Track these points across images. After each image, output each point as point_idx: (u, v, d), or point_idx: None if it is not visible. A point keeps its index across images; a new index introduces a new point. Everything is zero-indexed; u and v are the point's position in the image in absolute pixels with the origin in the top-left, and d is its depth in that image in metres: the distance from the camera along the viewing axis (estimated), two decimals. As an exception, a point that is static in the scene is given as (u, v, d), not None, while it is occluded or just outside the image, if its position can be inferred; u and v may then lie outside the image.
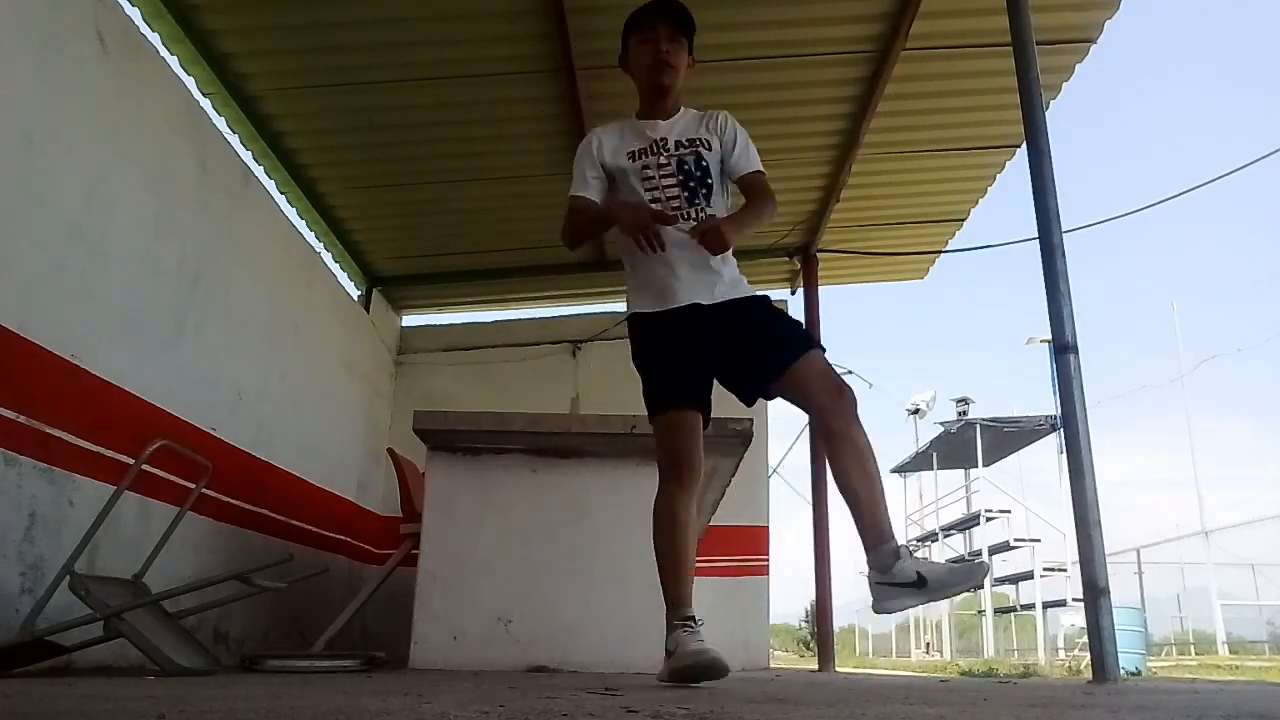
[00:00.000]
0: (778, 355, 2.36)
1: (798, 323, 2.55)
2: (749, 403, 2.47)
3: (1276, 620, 17.93)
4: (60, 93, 2.94)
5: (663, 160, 2.45)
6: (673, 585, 2.28)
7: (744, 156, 2.52)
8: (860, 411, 2.32)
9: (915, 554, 2.30)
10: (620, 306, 6.70)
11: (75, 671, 2.75)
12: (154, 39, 3.71)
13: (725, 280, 2.43)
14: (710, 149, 2.47)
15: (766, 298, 2.49)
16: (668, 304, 2.39)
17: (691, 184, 2.43)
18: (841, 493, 2.33)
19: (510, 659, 3.36)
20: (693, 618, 2.23)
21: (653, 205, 2.40)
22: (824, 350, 2.39)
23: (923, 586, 2.18)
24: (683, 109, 2.57)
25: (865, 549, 2.30)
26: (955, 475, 23.32)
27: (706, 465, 3.80)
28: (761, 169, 2.52)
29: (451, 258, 6.27)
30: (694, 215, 2.40)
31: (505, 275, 6.48)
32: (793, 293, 6.91)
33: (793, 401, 2.40)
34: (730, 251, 2.42)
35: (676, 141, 2.47)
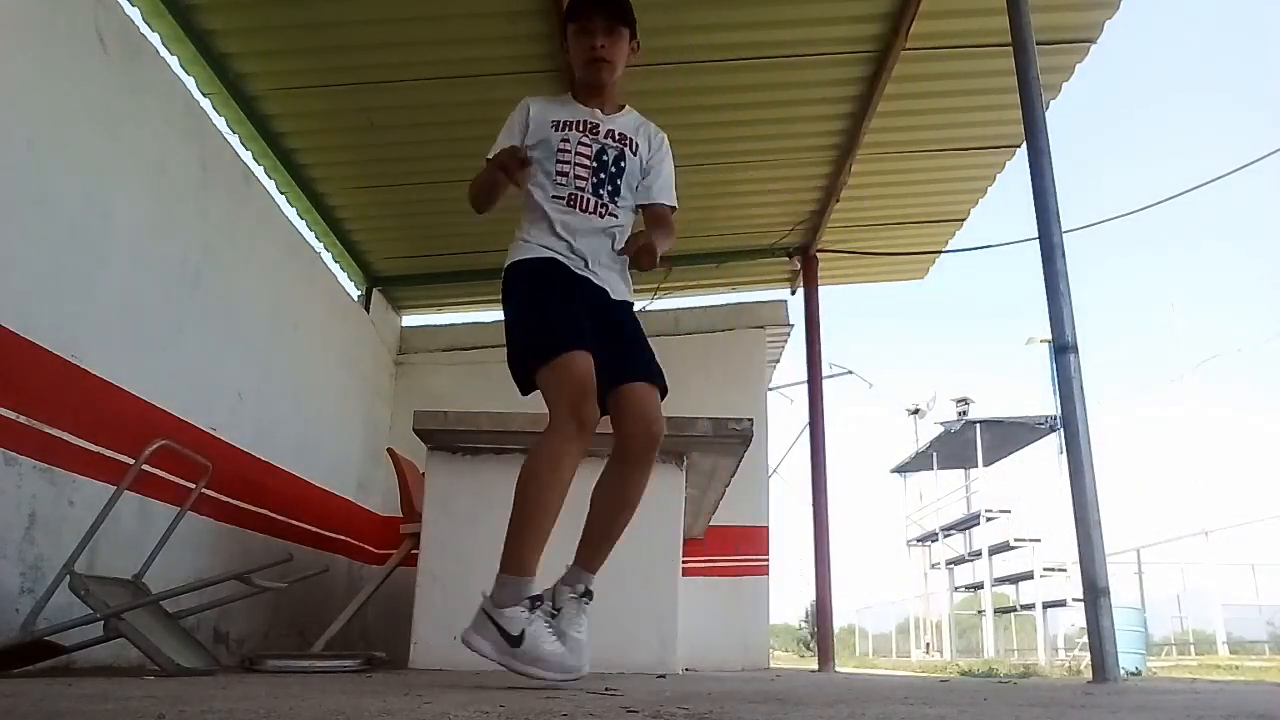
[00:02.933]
0: (627, 367, 2.29)
1: (651, 350, 2.42)
2: None
3: (1276, 620, 17.94)
4: (60, 93, 2.94)
5: (585, 140, 2.37)
6: (532, 547, 2.14)
7: (667, 187, 2.47)
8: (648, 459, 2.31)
9: (566, 616, 2.17)
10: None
11: (75, 671, 2.75)
12: (154, 39, 3.71)
13: (626, 284, 2.42)
14: (636, 153, 2.42)
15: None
16: (578, 268, 2.31)
17: (602, 175, 2.35)
18: (591, 504, 2.30)
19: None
20: (540, 598, 2.12)
21: (557, 179, 2.33)
22: (663, 394, 2.33)
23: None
24: (627, 108, 2.50)
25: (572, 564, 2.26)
26: (955, 475, 23.33)
27: (706, 464, 3.83)
28: (675, 205, 2.47)
29: (451, 258, 6.27)
30: (592, 206, 2.33)
31: (505, 275, 6.47)
32: (793, 293, 6.91)
33: (612, 418, 2.31)
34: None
35: (609, 130, 2.40)
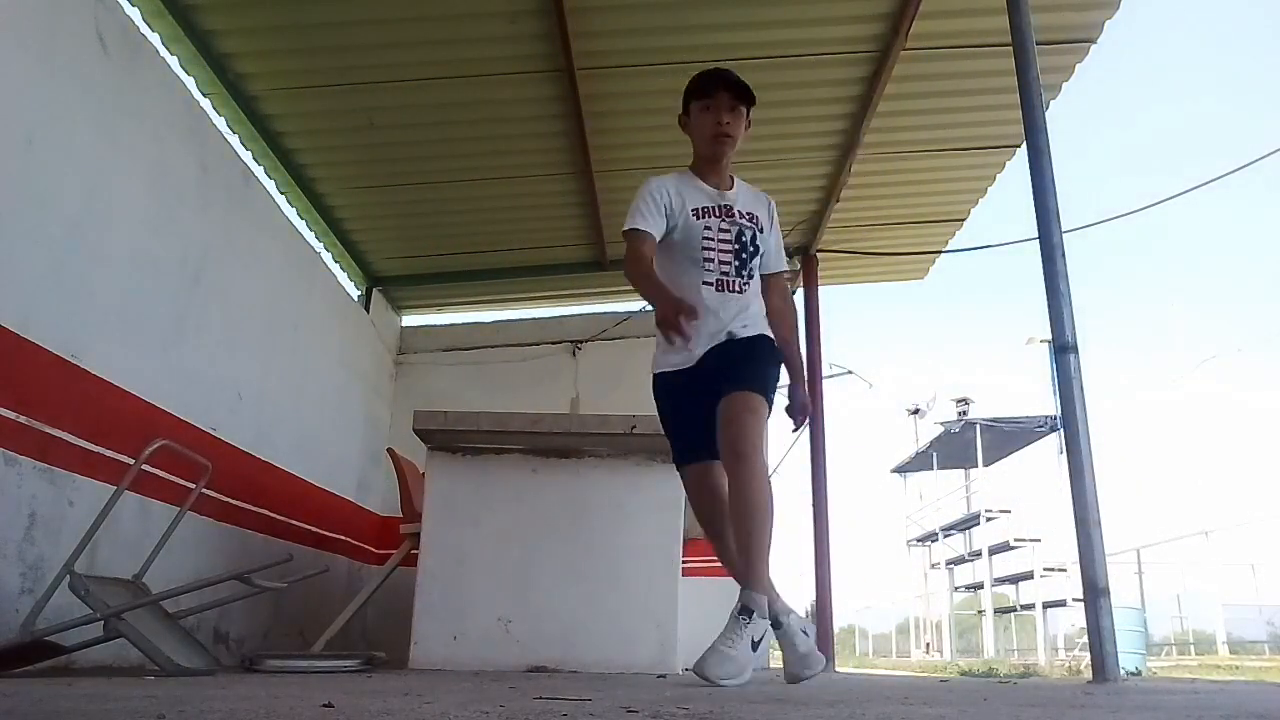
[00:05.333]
0: (722, 386, 2.51)
1: (758, 362, 2.60)
2: None
3: (1276, 620, 17.94)
4: (60, 93, 2.94)
5: (724, 225, 2.58)
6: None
7: (780, 252, 2.78)
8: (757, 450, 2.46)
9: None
10: (620, 306, 6.71)
11: (75, 671, 2.75)
12: (154, 39, 3.71)
13: (750, 324, 2.62)
14: (761, 230, 2.65)
15: (762, 339, 2.64)
16: (685, 363, 2.56)
17: (744, 255, 2.58)
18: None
19: (510, 659, 3.36)
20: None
21: (704, 264, 2.55)
22: (761, 391, 2.50)
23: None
24: (736, 180, 2.70)
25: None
26: (955, 475, 23.33)
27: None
28: (787, 267, 2.80)
29: (451, 258, 6.27)
30: (736, 286, 2.57)
31: (505, 275, 6.47)
32: (793, 293, 6.90)
33: None
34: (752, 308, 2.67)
35: (739, 211, 2.61)
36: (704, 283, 2.54)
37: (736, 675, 2.17)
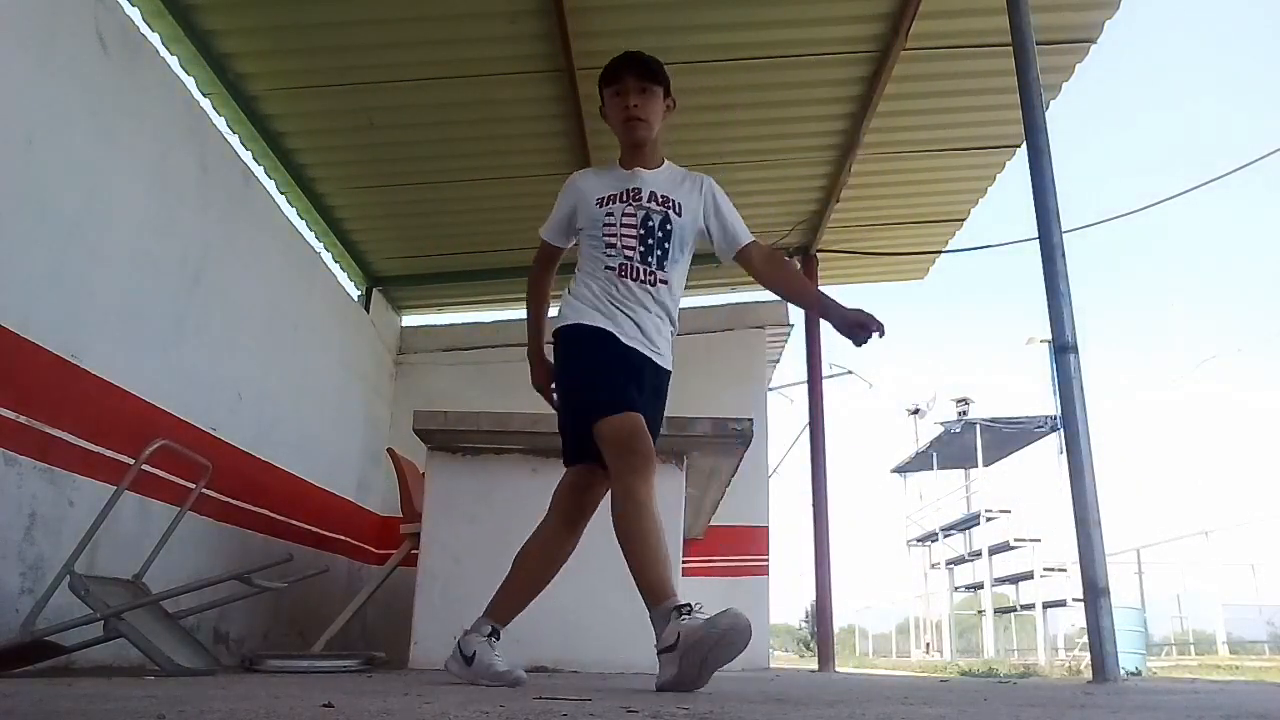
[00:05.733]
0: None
1: (662, 412, 2.53)
2: None
3: (1276, 620, 17.94)
4: (60, 93, 2.94)
5: (628, 210, 2.45)
6: (511, 601, 2.42)
7: (736, 227, 2.56)
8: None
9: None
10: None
11: (75, 671, 2.75)
12: (154, 39, 3.71)
13: (669, 350, 2.50)
14: (682, 214, 2.48)
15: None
16: (630, 341, 2.39)
17: (650, 241, 2.44)
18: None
19: (510, 659, 3.35)
20: (498, 633, 2.35)
21: (607, 251, 2.43)
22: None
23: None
24: (666, 163, 2.58)
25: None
26: (955, 475, 23.33)
27: (706, 464, 3.83)
28: (753, 236, 2.57)
29: (451, 258, 6.27)
30: (642, 275, 2.41)
31: (505, 275, 6.47)
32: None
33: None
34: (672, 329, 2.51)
35: (651, 193, 2.47)
36: (606, 268, 2.42)
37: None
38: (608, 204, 2.47)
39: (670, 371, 2.51)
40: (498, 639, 2.34)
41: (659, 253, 2.43)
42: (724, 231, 2.55)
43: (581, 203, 2.52)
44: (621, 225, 2.43)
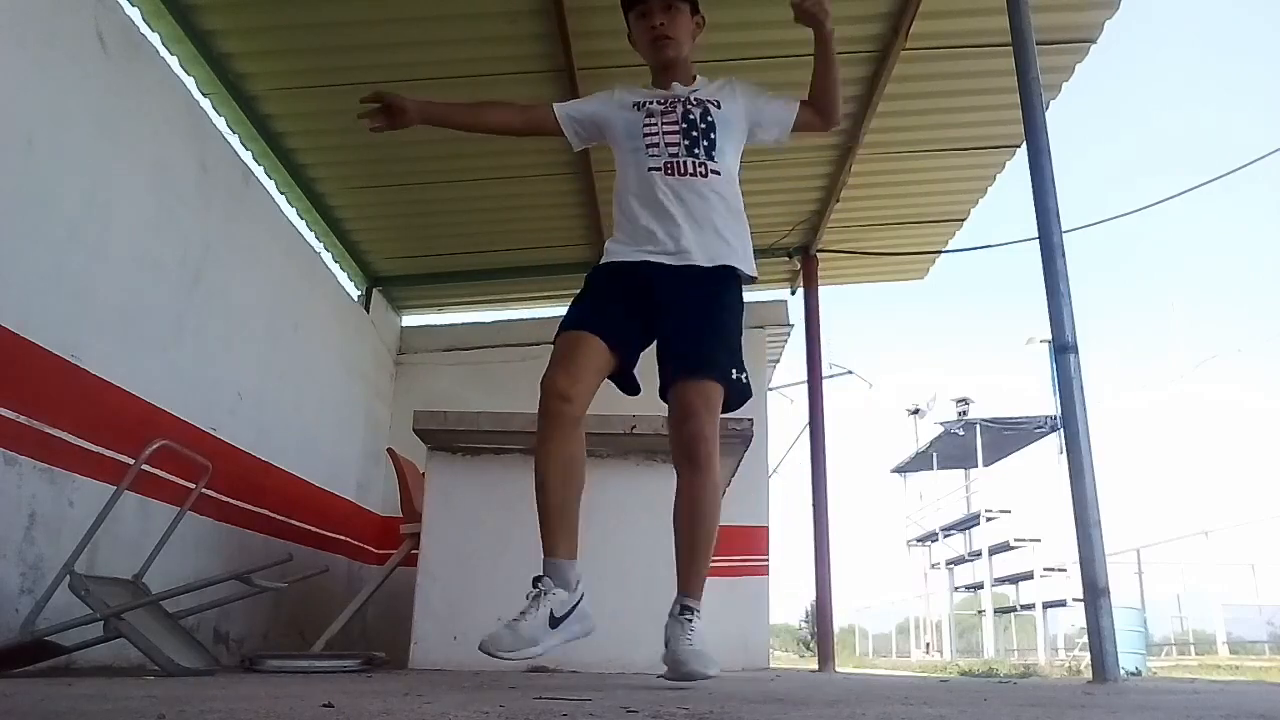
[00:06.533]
0: (674, 362, 2.27)
1: (720, 335, 2.30)
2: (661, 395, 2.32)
3: (1276, 620, 17.94)
4: (60, 93, 2.94)
5: (667, 109, 2.39)
6: (542, 529, 2.17)
7: (777, 100, 2.54)
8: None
9: (670, 631, 2.19)
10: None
11: (75, 671, 2.75)
12: (154, 39, 3.71)
13: (729, 245, 2.34)
14: (722, 107, 2.42)
15: (731, 283, 2.35)
16: (649, 254, 2.29)
17: (694, 133, 2.35)
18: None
19: (510, 659, 3.35)
20: (546, 579, 2.12)
21: (649, 151, 2.35)
22: (722, 378, 2.23)
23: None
24: (699, 77, 2.51)
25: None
26: (955, 475, 23.33)
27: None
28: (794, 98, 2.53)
29: (451, 258, 6.27)
30: (690, 168, 2.32)
31: (505, 275, 6.48)
32: (793, 293, 6.91)
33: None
34: (738, 226, 2.37)
35: (689, 97, 2.42)
36: (650, 169, 2.32)
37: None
38: (644, 107, 2.40)
39: (731, 270, 2.33)
40: (541, 584, 2.12)
41: (705, 143, 2.36)
42: (770, 108, 2.52)
43: (615, 111, 2.44)
44: (663, 123, 2.37)
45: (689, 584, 2.25)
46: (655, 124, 2.37)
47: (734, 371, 2.26)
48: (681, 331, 2.28)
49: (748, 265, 2.38)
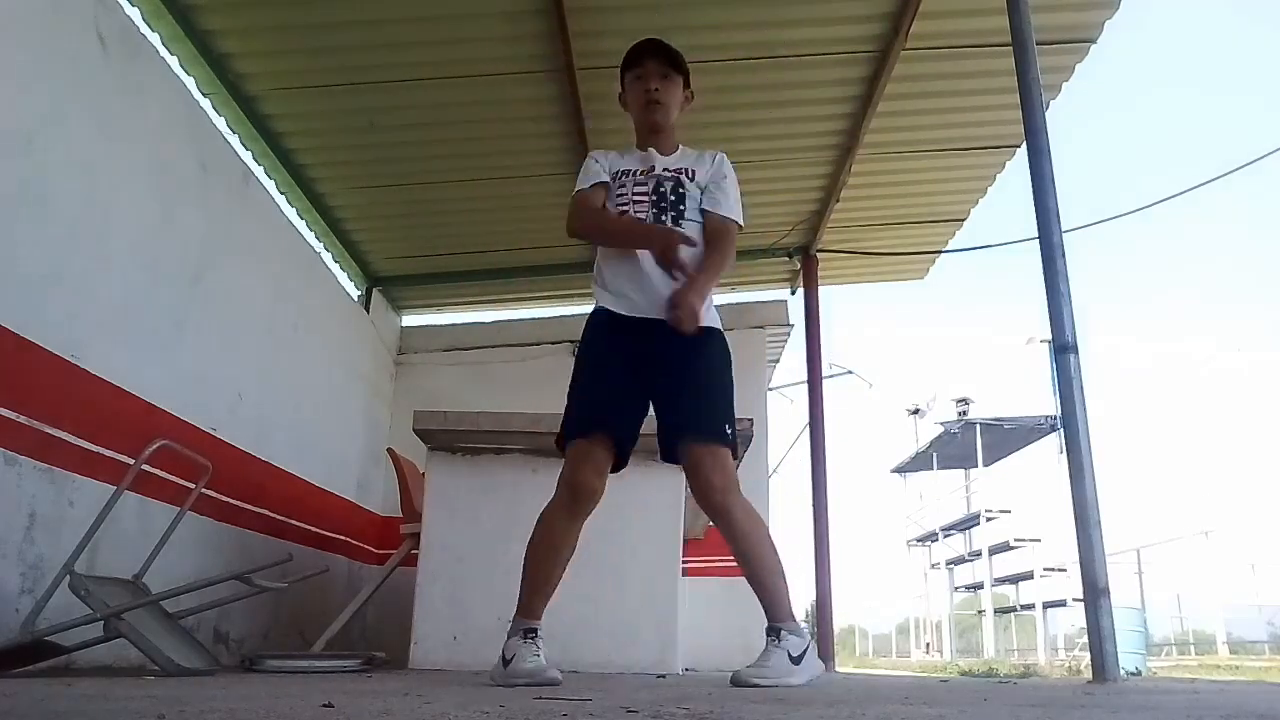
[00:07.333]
0: (681, 422, 2.42)
1: (715, 391, 2.48)
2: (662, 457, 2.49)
3: (1276, 620, 17.95)
4: (60, 93, 2.94)
5: (640, 179, 2.50)
6: (529, 594, 2.34)
7: (721, 196, 2.50)
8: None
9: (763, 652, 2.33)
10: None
11: (75, 671, 2.75)
12: (154, 39, 3.71)
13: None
14: (693, 178, 2.51)
15: (714, 342, 2.48)
16: (632, 311, 2.42)
17: (662, 204, 2.46)
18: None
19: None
20: (535, 630, 2.30)
21: (619, 211, 2.48)
22: (726, 439, 2.41)
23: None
24: (681, 148, 2.61)
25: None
26: (955, 475, 23.33)
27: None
28: (736, 219, 2.50)
29: (451, 258, 6.27)
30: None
31: (505, 275, 6.48)
32: (793, 293, 6.91)
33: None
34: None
35: (664, 168, 2.52)
36: None
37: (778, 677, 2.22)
38: (624, 177, 2.51)
39: (708, 330, 2.44)
40: (535, 635, 2.29)
41: (672, 213, 2.45)
42: (707, 192, 2.51)
43: (606, 173, 2.55)
44: (633, 193, 2.48)
45: (769, 613, 2.42)
46: (626, 193, 2.49)
47: (728, 428, 2.45)
48: (689, 392, 2.44)
49: (713, 319, 2.51)
